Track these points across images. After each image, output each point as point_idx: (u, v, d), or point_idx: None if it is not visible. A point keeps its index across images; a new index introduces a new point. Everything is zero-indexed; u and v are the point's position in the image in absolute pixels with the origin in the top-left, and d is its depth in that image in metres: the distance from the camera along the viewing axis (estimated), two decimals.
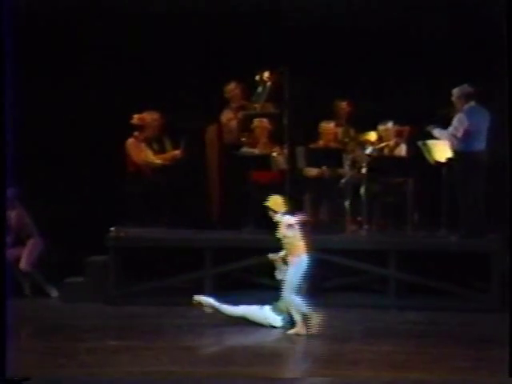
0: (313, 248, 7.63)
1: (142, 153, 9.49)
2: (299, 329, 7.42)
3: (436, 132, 8.68)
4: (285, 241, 7.54)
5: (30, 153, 9.72)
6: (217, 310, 7.73)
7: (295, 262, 7.48)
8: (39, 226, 9.36)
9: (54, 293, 9.17)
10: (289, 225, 7.52)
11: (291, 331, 7.43)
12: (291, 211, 7.67)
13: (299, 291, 7.52)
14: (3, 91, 6.28)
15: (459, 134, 8.54)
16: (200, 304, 7.73)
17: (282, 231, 7.55)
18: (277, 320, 7.63)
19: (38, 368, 6.43)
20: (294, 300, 7.46)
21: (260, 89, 9.66)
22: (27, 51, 9.66)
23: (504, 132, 5.93)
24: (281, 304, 7.62)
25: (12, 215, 9.36)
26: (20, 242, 9.43)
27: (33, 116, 9.67)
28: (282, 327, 7.57)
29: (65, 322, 7.80)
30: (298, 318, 7.43)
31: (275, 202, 7.68)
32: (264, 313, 7.67)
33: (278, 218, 7.59)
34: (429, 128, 8.71)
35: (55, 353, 6.85)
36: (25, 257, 9.33)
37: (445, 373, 6.15)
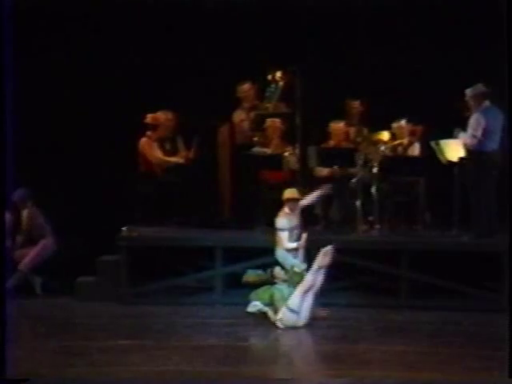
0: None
1: (154, 152, 9.49)
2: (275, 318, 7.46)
3: (461, 135, 8.58)
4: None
5: (43, 152, 9.75)
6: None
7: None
8: (51, 225, 9.36)
9: (38, 290, 9.20)
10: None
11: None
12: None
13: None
14: (11, 91, 6.28)
15: (478, 134, 8.45)
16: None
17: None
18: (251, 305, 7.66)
19: (51, 367, 6.42)
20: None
21: (272, 88, 9.62)
22: (41, 48, 9.71)
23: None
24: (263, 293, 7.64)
25: (24, 215, 9.36)
26: (32, 242, 9.44)
27: (47, 116, 9.70)
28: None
29: (77, 320, 7.80)
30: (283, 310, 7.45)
31: (293, 192, 7.97)
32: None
33: (301, 203, 7.92)
34: (456, 132, 8.62)
35: (67, 352, 6.85)
36: (28, 257, 9.30)
37: (457, 373, 6.11)
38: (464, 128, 8.53)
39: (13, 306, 8.61)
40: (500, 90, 8.47)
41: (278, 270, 7.77)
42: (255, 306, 7.65)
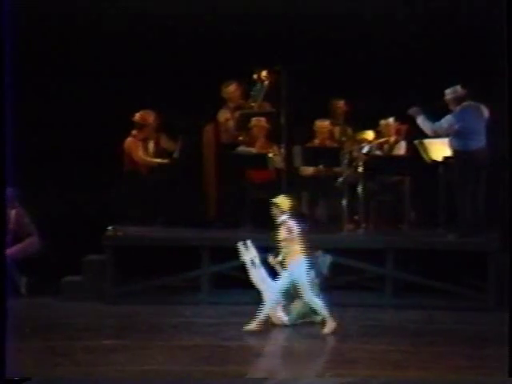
0: (310, 251, 7.59)
1: (139, 152, 9.50)
2: (330, 325, 7.37)
3: (419, 119, 8.64)
4: (283, 244, 7.49)
5: (28, 152, 9.73)
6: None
7: (292, 266, 7.44)
8: (37, 225, 9.35)
9: (23, 290, 9.18)
10: (289, 229, 7.45)
11: (326, 330, 7.37)
12: (294, 215, 7.59)
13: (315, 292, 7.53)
14: (2, 91, 6.29)
15: (441, 132, 8.58)
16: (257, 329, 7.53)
17: (283, 234, 7.48)
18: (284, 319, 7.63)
19: (35, 367, 6.42)
20: (313, 301, 7.46)
21: (257, 88, 9.65)
22: (27, 51, 9.68)
23: (503, 130, 5.93)
24: (294, 305, 7.62)
25: (11, 215, 9.35)
26: (18, 241, 9.43)
27: (30, 115, 9.67)
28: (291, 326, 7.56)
29: (62, 320, 7.79)
30: (325, 315, 7.40)
31: (284, 201, 7.58)
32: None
33: (282, 218, 7.49)
34: (411, 111, 8.64)
35: (52, 351, 6.84)
36: (13, 248, 9.28)
37: (441, 371, 6.15)
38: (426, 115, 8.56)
39: None
40: (481, 90, 8.59)
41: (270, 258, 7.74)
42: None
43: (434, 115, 8.66)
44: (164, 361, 6.51)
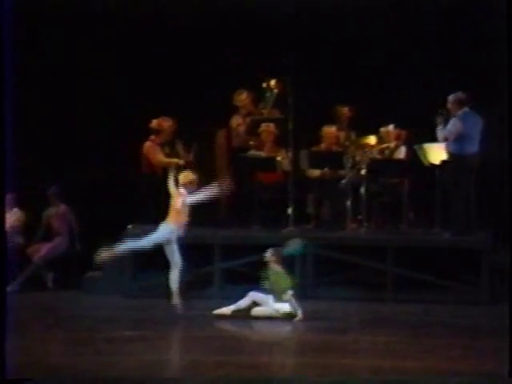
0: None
1: (157, 155, 9.53)
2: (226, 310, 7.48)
3: (438, 129, 8.63)
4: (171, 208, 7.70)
5: (60, 154, 9.81)
6: (240, 311, 7.64)
7: (161, 227, 7.67)
8: (69, 226, 9.44)
9: (49, 284, 9.29)
10: (183, 200, 7.66)
11: (296, 319, 7.43)
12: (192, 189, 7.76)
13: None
14: (12, 95, 6.27)
15: (451, 138, 8.54)
16: (223, 315, 7.61)
17: (177, 203, 7.70)
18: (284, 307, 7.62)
19: (59, 355, 6.45)
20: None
21: (267, 96, 9.68)
22: (43, 54, 9.74)
23: (498, 136, 5.91)
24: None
25: (51, 211, 9.38)
26: (47, 238, 9.51)
27: (59, 120, 9.75)
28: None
29: (84, 313, 7.81)
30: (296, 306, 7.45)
31: (185, 176, 7.85)
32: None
33: (179, 189, 7.72)
34: (438, 120, 8.62)
35: (75, 341, 6.86)
36: (43, 251, 9.37)
37: (438, 361, 6.14)
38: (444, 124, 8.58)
39: (26, 298, 8.78)
40: (479, 96, 8.57)
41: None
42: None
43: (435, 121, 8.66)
44: (179, 350, 6.52)
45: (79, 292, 8.72)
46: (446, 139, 8.58)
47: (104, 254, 7.73)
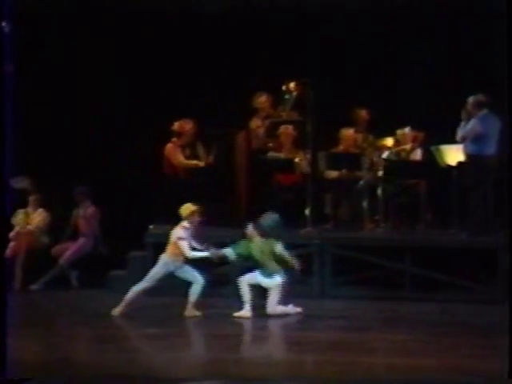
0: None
1: (178, 156, 9.58)
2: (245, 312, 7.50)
3: (461, 125, 8.63)
4: (170, 239, 7.68)
5: (80, 155, 9.88)
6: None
7: (164, 261, 7.65)
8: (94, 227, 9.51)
9: (74, 282, 9.38)
10: (179, 237, 7.61)
11: (236, 314, 7.50)
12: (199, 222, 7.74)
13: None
14: (35, 96, 6.22)
15: (469, 138, 8.54)
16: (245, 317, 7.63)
17: (173, 235, 7.68)
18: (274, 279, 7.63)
19: (84, 353, 6.50)
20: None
21: (286, 98, 9.70)
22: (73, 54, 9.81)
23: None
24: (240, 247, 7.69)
25: (80, 212, 9.46)
26: (72, 238, 9.59)
27: (85, 122, 9.83)
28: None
29: (108, 311, 7.87)
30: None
31: (185, 209, 7.77)
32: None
33: (182, 223, 7.68)
34: (463, 115, 8.60)
35: (98, 339, 6.92)
36: (68, 253, 9.45)
37: (455, 359, 6.14)
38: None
39: (51, 297, 8.86)
40: (498, 99, 8.55)
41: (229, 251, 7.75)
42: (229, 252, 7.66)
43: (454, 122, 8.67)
44: (199, 348, 6.56)
45: (103, 290, 8.78)
46: (463, 139, 8.58)
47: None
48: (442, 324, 7.49)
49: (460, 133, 8.61)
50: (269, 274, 7.67)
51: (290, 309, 7.70)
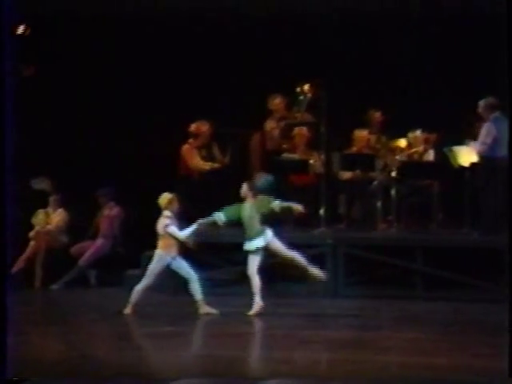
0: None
1: (194, 158, 9.61)
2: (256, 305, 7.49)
3: (471, 144, 8.65)
4: (159, 233, 7.65)
5: (97, 159, 9.93)
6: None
7: (158, 256, 7.60)
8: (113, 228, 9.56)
9: (92, 281, 9.44)
10: (166, 225, 7.58)
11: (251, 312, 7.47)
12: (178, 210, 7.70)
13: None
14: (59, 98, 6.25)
15: (488, 141, 8.54)
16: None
17: (159, 227, 7.63)
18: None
19: (102, 349, 6.53)
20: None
21: (300, 100, 9.71)
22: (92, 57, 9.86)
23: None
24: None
25: (104, 212, 9.49)
26: (91, 237, 9.64)
27: (106, 127, 9.89)
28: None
29: (125, 309, 7.88)
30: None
31: (163, 199, 7.73)
32: None
33: (163, 213, 7.65)
34: (466, 142, 8.70)
35: (117, 337, 6.95)
36: (87, 254, 9.50)
37: (467, 358, 6.13)
38: (474, 139, 8.58)
39: (70, 295, 8.91)
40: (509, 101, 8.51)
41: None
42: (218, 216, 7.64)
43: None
44: (215, 346, 6.57)
45: (120, 289, 8.82)
46: (483, 144, 8.55)
47: None
48: (454, 323, 7.46)
49: (478, 145, 8.58)
50: (250, 237, 7.59)
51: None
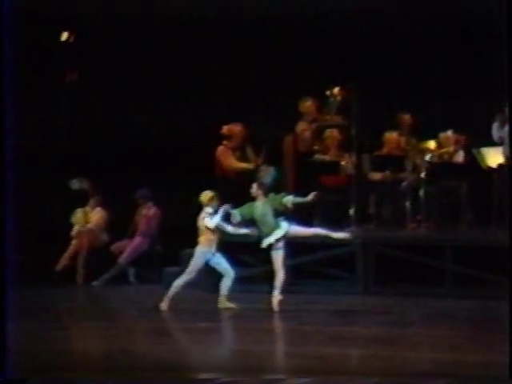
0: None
1: (229, 159, 9.67)
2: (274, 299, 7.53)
3: (494, 126, 8.59)
4: (200, 229, 7.73)
5: (132, 161, 10.04)
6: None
7: (199, 252, 7.65)
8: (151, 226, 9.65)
9: (132, 278, 9.51)
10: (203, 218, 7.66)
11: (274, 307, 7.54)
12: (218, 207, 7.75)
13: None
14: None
15: (506, 140, 8.48)
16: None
17: (199, 222, 7.72)
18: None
19: (141, 344, 6.61)
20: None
21: (331, 103, 9.74)
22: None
23: None
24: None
25: (142, 212, 9.60)
26: (129, 236, 9.76)
27: (142, 129, 9.99)
28: None
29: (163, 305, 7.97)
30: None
31: (205, 196, 7.82)
32: None
33: (205, 209, 7.73)
34: (497, 117, 8.61)
35: (155, 332, 7.01)
36: (126, 252, 9.62)
37: (496, 355, 6.10)
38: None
39: (110, 292, 9.03)
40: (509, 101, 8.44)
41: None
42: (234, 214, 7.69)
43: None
44: (250, 341, 6.61)
45: (159, 286, 8.91)
46: (502, 140, 8.51)
47: None
48: (483, 320, 7.45)
49: (497, 133, 8.54)
50: (266, 234, 7.66)
51: None
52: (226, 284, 7.73)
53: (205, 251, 7.75)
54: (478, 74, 9.48)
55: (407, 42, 9.65)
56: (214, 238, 7.74)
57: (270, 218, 7.68)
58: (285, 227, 7.66)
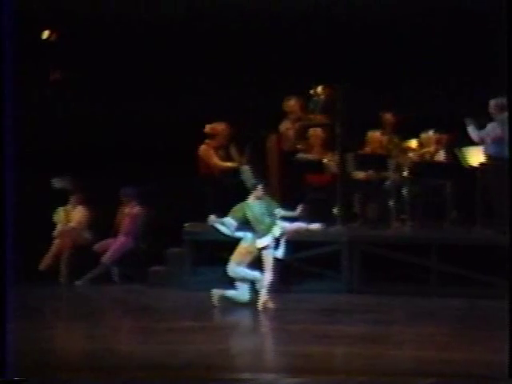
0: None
1: (213, 157, 9.58)
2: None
3: (470, 128, 8.57)
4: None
5: (121, 160, 9.92)
6: None
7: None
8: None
9: (116, 278, 9.36)
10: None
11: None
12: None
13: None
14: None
15: (488, 140, 8.45)
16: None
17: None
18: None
19: (125, 344, 6.51)
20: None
21: (314, 102, 9.67)
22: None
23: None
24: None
25: (125, 211, 9.48)
26: (113, 235, 9.62)
27: (132, 128, 9.88)
28: None
29: (148, 304, 7.88)
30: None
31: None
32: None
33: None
34: (467, 120, 8.56)
35: (139, 331, 6.93)
36: (110, 252, 9.48)
37: (481, 353, 6.06)
38: (476, 124, 8.47)
39: (94, 291, 8.91)
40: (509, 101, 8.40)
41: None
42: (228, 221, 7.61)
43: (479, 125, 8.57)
44: (232, 340, 6.53)
45: (144, 285, 8.80)
46: (482, 141, 8.49)
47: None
48: (468, 319, 7.41)
49: (475, 134, 8.51)
50: (261, 234, 7.62)
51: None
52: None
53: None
54: (462, 72, 9.46)
55: (390, 40, 9.60)
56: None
57: (266, 218, 7.63)
58: (281, 226, 7.57)
